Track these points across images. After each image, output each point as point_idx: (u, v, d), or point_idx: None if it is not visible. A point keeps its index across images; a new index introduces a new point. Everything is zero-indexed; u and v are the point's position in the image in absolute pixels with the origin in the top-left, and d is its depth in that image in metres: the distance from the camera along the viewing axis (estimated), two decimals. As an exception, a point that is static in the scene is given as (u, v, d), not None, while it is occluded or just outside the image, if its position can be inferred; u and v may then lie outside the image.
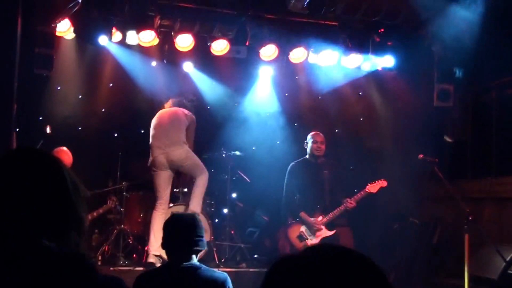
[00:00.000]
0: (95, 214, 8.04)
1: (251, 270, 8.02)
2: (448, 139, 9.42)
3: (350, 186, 8.05)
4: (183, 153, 7.96)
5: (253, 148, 10.22)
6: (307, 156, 8.07)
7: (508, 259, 7.14)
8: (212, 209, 8.86)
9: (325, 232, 7.64)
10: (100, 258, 7.92)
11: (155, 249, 7.52)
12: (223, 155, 9.02)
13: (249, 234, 9.54)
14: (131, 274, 7.52)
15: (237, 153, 9.04)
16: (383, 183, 7.74)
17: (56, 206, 1.75)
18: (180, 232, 4.02)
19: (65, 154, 7.70)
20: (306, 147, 8.07)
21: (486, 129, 8.92)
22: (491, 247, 7.18)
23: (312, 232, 7.66)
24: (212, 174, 9.36)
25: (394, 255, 8.59)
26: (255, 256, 8.76)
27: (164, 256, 8.27)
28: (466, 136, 9.27)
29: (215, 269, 4.19)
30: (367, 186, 7.72)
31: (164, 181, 7.97)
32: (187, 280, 3.92)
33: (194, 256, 4.03)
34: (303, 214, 7.72)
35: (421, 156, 7.43)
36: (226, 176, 9.03)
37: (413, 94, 9.31)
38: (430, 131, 9.20)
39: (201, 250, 4.09)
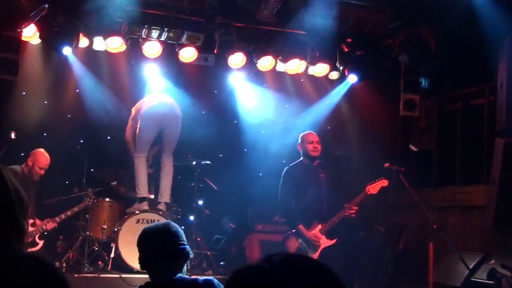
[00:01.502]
0: (69, 213, 7.95)
1: (217, 277, 7.96)
2: (414, 148, 9.55)
3: (348, 189, 7.81)
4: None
5: (220, 155, 10.22)
6: (302, 159, 7.58)
7: (471, 266, 7.25)
8: (179, 216, 8.83)
9: (325, 242, 7.18)
10: (64, 265, 7.82)
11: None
12: (190, 162, 9.00)
13: (215, 242, 9.54)
14: (96, 281, 7.51)
15: (205, 162, 9.02)
16: (384, 183, 7.29)
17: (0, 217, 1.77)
18: (159, 247, 3.58)
19: (42, 155, 7.89)
20: (300, 150, 7.57)
21: (451, 138, 9.04)
22: (455, 255, 7.28)
23: (311, 243, 7.20)
24: (178, 181, 9.36)
25: (359, 263, 8.66)
26: (222, 263, 8.74)
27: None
28: (431, 145, 9.38)
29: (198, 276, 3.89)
30: (367, 187, 7.28)
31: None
32: None
33: (182, 268, 3.65)
34: (301, 227, 7.20)
35: (387, 164, 7.47)
36: (193, 184, 9.00)
37: (380, 103, 9.41)
38: (396, 140, 9.32)
39: (188, 259, 3.69)
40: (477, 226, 8.15)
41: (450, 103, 9.28)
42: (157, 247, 3.59)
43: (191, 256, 3.76)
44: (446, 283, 7.52)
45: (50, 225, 7.78)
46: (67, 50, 7.56)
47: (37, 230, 7.72)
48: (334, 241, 7.18)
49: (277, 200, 7.59)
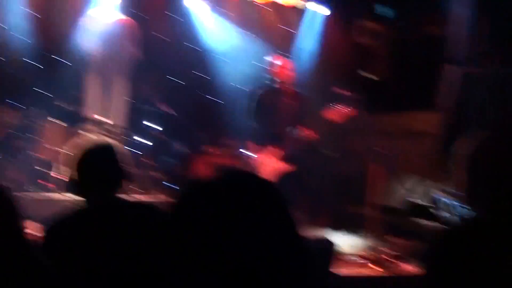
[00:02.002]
0: None
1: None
2: (366, 75, 9.53)
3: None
4: None
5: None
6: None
7: (407, 187, 7.36)
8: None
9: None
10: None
11: None
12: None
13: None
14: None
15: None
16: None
17: None
18: (100, 165, 3.27)
19: None
20: None
21: (404, 66, 9.01)
22: (396, 178, 7.37)
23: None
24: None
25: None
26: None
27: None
28: (384, 72, 9.36)
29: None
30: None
31: None
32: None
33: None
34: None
35: (336, 89, 7.48)
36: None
37: (337, 31, 9.36)
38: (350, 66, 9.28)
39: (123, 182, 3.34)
40: (422, 152, 8.18)
41: (405, 31, 9.21)
42: (100, 164, 3.27)
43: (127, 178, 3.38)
44: (385, 204, 7.61)
45: None
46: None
47: None
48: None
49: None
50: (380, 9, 8.84)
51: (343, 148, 9.09)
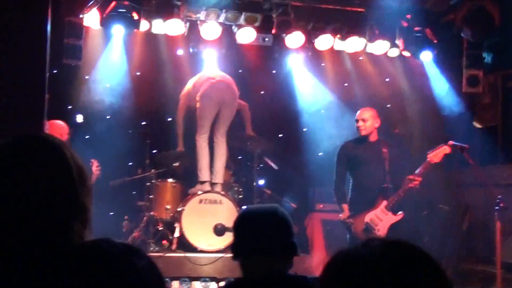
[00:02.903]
0: None
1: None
2: (478, 125, 9.36)
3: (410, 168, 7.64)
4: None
5: (280, 135, 10.23)
6: (358, 136, 7.34)
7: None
8: (240, 196, 8.90)
9: (392, 218, 6.91)
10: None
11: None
12: (250, 142, 9.02)
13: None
14: (162, 260, 7.65)
15: (264, 140, 9.03)
16: (445, 149, 6.91)
17: (60, 196, 1.67)
18: (264, 233, 2.98)
19: (57, 127, 7.09)
20: None
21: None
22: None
23: (377, 221, 6.92)
24: (239, 161, 9.43)
25: (423, 242, 8.55)
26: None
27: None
28: (496, 121, 9.18)
29: None
30: (428, 156, 6.92)
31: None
32: None
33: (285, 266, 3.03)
34: (344, 207, 7.05)
35: (450, 142, 7.31)
36: (253, 163, 9.03)
37: (442, 81, 9.24)
38: (459, 117, 9.13)
39: (295, 256, 3.05)
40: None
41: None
42: (261, 233, 2.97)
43: (299, 254, 3.06)
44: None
45: None
46: (128, 30, 7.65)
47: None
48: (400, 216, 6.93)
49: None
50: (487, 57, 8.69)
51: (461, 203, 8.91)
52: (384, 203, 6.93)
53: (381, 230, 6.88)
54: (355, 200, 7.15)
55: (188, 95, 8.97)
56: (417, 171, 6.89)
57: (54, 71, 7.19)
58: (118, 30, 7.73)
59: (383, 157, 7.11)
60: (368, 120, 7.18)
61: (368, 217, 6.95)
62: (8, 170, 1.67)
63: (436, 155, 6.92)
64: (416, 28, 8.49)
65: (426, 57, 8.74)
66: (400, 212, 6.94)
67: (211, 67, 9.13)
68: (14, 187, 1.63)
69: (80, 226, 1.68)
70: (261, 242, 2.95)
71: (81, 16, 7.36)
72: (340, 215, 7.08)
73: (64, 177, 1.70)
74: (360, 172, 7.16)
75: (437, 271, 1.35)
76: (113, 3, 7.30)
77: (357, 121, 7.23)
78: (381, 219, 6.94)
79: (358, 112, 7.32)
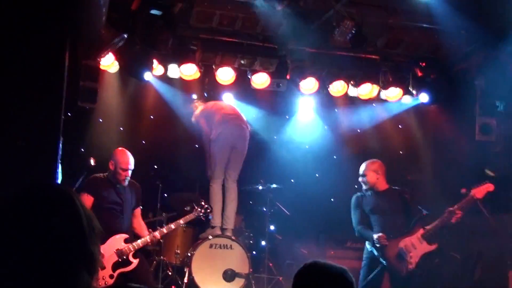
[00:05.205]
0: (173, 226, 7.38)
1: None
2: (490, 173, 9.28)
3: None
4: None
5: (292, 180, 10.20)
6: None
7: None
8: (251, 241, 8.84)
9: (426, 247, 6.98)
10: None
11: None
12: (262, 187, 8.99)
13: (287, 267, 9.47)
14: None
15: (276, 185, 8.99)
16: (489, 187, 7.01)
17: (70, 245, 1.71)
18: None
19: (122, 154, 7.12)
20: None
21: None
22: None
23: (411, 249, 6.96)
24: (250, 206, 9.40)
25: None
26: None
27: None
28: (509, 170, 9.11)
29: None
30: (472, 191, 6.99)
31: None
32: None
33: None
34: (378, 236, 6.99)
35: (463, 190, 7.29)
36: (264, 209, 8.99)
37: (454, 128, 9.23)
38: (471, 165, 9.08)
39: None
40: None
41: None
42: None
43: None
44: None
45: (155, 237, 7.04)
46: (147, 75, 7.72)
47: (132, 247, 6.87)
48: (434, 246, 6.98)
49: (349, 225, 7.49)
50: (500, 105, 8.68)
51: (473, 251, 8.80)
52: (421, 231, 6.97)
53: (414, 257, 6.90)
54: None
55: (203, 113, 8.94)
56: (457, 205, 6.94)
57: (69, 114, 7.23)
58: (134, 74, 7.79)
59: (398, 201, 7.23)
60: (368, 175, 7.36)
61: (404, 242, 6.97)
62: (21, 219, 1.70)
63: (480, 191, 7.01)
64: (432, 76, 8.53)
65: (424, 98, 8.79)
66: (435, 243, 6.97)
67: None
68: (26, 236, 1.67)
69: (87, 275, 1.72)
70: None
71: (98, 59, 7.44)
72: (375, 236, 6.97)
73: (75, 226, 1.74)
74: (376, 221, 7.22)
75: None
76: (130, 48, 7.37)
77: (360, 176, 7.44)
78: (416, 247, 6.96)
79: (362, 165, 7.48)
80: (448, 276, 8.65)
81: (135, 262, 6.89)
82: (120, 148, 7.29)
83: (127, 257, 6.83)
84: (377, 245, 6.97)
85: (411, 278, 6.86)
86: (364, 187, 7.42)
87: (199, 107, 9.00)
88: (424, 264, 6.89)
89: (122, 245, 6.82)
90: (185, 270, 8.05)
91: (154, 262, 8.22)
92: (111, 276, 6.70)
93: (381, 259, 6.99)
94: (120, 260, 6.73)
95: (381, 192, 7.35)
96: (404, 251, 6.93)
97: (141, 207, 7.37)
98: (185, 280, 7.94)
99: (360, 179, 7.45)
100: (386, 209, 7.21)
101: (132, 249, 6.85)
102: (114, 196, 6.97)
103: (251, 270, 8.11)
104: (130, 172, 7.07)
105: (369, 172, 7.36)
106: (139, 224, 7.23)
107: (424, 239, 6.95)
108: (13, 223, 1.70)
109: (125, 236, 6.90)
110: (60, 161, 5.86)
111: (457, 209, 6.89)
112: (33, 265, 1.64)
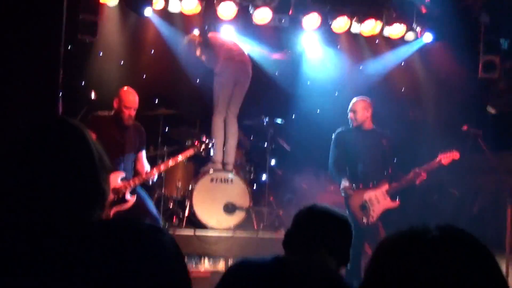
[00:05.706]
0: (180, 158, 7.09)
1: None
2: (492, 110, 9.30)
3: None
4: None
5: (293, 116, 10.22)
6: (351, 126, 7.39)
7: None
8: (252, 176, 8.92)
9: (389, 203, 7.01)
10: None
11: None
12: (263, 122, 9.00)
13: (287, 201, 9.59)
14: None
15: (278, 120, 9.00)
16: (455, 155, 7.06)
17: (83, 181, 1.69)
18: (335, 236, 2.97)
19: (126, 93, 6.96)
20: None
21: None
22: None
23: (375, 202, 7.02)
24: (251, 141, 9.43)
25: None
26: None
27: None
28: (510, 107, 9.12)
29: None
30: (439, 156, 7.03)
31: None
32: None
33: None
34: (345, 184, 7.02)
35: (465, 127, 7.32)
36: (265, 144, 9.02)
37: (457, 65, 9.18)
38: (474, 102, 9.09)
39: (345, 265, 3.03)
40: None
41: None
42: (328, 233, 2.95)
43: (348, 266, 3.07)
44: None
45: (150, 174, 6.81)
46: (147, 11, 7.63)
47: (128, 184, 6.69)
48: (397, 203, 7.03)
49: None
50: (504, 43, 8.61)
51: (468, 185, 8.88)
52: (386, 186, 7.04)
53: (376, 211, 6.99)
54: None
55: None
56: (424, 166, 6.99)
57: (69, 47, 7.19)
58: (137, 7, 7.70)
59: (379, 145, 7.20)
60: (358, 112, 7.25)
61: (368, 195, 7.05)
62: (32, 154, 1.68)
63: (446, 157, 7.04)
64: (436, 12, 8.44)
65: (427, 38, 8.72)
66: (397, 200, 7.05)
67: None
68: (38, 172, 1.65)
69: (99, 212, 1.72)
70: (324, 240, 2.93)
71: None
72: (341, 185, 7.05)
73: (87, 163, 1.72)
74: (356, 159, 7.21)
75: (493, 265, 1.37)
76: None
77: (348, 112, 7.33)
78: (379, 201, 7.03)
79: (353, 102, 7.37)
80: (446, 211, 8.76)
81: (131, 200, 6.73)
82: (125, 87, 7.12)
83: (123, 195, 6.69)
84: (342, 194, 7.08)
85: (368, 231, 6.92)
86: (352, 123, 7.32)
87: (198, 41, 8.90)
88: (385, 221, 6.96)
89: (118, 183, 6.68)
90: (186, 203, 8.15)
91: (155, 195, 8.30)
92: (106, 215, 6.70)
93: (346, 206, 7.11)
94: (115, 198, 6.66)
95: (366, 132, 7.29)
96: (367, 204, 7.01)
97: (144, 150, 7.30)
98: (186, 213, 8.05)
99: (349, 115, 7.32)
100: (366, 151, 7.16)
101: (128, 187, 6.69)
102: (116, 135, 6.90)
103: (251, 203, 8.22)
104: (134, 111, 6.93)
105: (360, 108, 7.27)
106: (142, 166, 7.15)
107: (388, 195, 7.02)
108: (26, 158, 1.67)
109: (121, 174, 6.74)
110: (60, 94, 5.86)
111: (422, 171, 6.93)
112: (47, 200, 1.63)
